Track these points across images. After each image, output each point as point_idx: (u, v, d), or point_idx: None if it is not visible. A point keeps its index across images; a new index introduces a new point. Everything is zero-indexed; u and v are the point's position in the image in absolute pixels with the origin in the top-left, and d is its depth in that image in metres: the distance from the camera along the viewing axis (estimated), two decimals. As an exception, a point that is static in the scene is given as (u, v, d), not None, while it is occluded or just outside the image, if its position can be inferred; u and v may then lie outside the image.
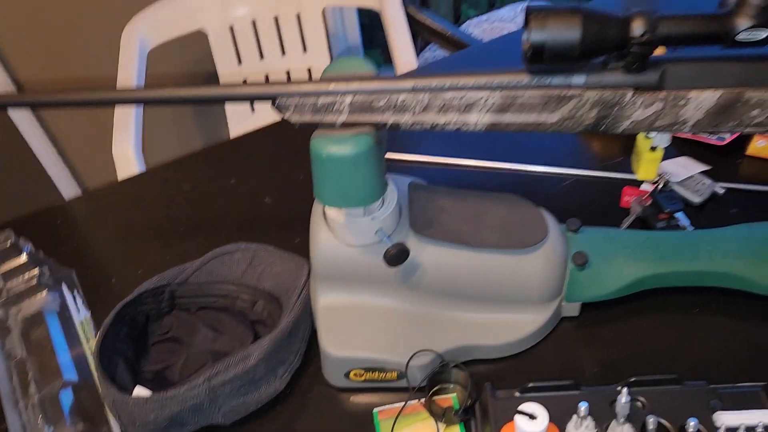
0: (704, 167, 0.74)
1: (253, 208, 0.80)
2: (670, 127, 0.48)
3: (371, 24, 2.09)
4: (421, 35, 1.31)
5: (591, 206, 0.74)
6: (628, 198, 0.73)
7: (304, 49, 1.40)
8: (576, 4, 0.44)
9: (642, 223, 0.71)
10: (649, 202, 0.71)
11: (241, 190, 0.83)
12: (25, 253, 0.65)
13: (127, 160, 1.06)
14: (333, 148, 0.48)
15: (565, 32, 0.43)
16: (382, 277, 0.58)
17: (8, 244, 0.66)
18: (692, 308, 0.64)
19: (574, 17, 0.43)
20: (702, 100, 0.47)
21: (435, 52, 1.58)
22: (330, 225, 0.58)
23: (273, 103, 0.50)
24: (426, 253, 0.58)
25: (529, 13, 0.44)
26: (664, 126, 0.48)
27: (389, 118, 0.50)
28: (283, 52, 1.40)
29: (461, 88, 0.48)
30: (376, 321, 0.60)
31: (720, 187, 0.72)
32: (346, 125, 0.50)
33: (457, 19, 1.67)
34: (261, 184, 0.83)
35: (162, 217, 0.81)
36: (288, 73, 1.42)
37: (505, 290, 0.61)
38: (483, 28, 1.63)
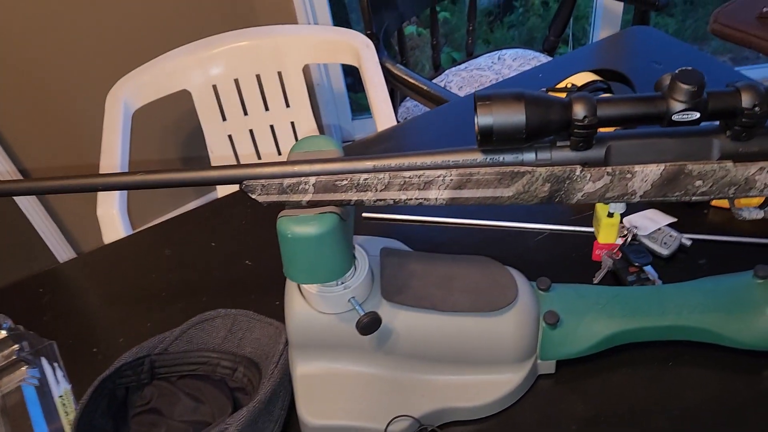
0: (671, 219, 0.76)
1: (233, 271, 0.82)
2: (621, 198, 0.50)
3: (354, 68, 2.13)
4: (396, 87, 1.35)
5: (564, 261, 0.76)
6: (599, 252, 0.75)
7: (287, 104, 1.43)
8: (520, 90, 0.46)
9: (614, 276, 0.73)
10: (620, 255, 0.73)
11: (221, 253, 0.84)
12: (3, 330, 0.67)
13: (112, 221, 1.08)
14: (298, 229, 0.50)
15: (510, 117, 0.46)
16: (357, 344, 0.60)
17: (-10, 322, 0.67)
18: (666, 361, 0.65)
19: (518, 103, 0.46)
20: (647, 174, 0.49)
21: (415, 102, 1.62)
22: (304, 294, 0.60)
23: (240, 186, 0.52)
24: (398, 320, 0.60)
25: (477, 99, 0.46)
26: (615, 197, 0.50)
27: (353, 197, 0.52)
28: (266, 108, 1.43)
29: (419, 167, 0.51)
30: (354, 388, 0.61)
31: (687, 239, 0.74)
32: (312, 204, 0.52)
33: (437, 68, 1.72)
34: (241, 247, 0.84)
35: (144, 282, 0.82)
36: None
37: (479, 352, 0.62)
38: (462, 76, 1.67)
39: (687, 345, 0.64)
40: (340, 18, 2.38)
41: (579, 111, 0.46)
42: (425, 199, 0.52)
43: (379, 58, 1.39)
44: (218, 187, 1.46)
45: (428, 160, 0.51)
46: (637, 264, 0.71)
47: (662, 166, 0.49)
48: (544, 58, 1.67)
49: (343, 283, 0.58)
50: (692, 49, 1.09)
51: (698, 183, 0.49)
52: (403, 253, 0.65)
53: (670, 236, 0.74)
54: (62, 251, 1.81)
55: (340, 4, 2.40)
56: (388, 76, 1.34)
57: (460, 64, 1.72)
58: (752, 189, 0.50)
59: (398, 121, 1.35)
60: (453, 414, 0.62)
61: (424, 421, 0.60)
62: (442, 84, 1.65)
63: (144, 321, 0.77)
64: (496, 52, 1.73)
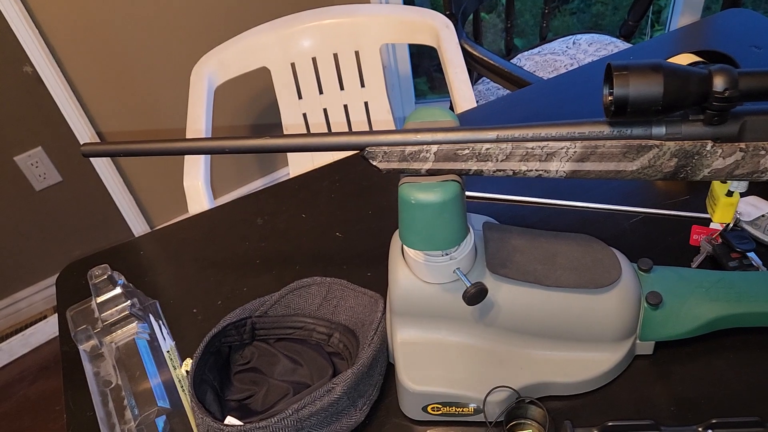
0: (777, 206, 0.74)
1: (324, 242, 0.83)
2: (750, 176, 0.50)
3: (418, 53, 2.13)
4: (475, 69, 1.34)
5: (660, 244, 0.75)
6: (698, 236, 0.73)
7: (362, 84, 1.44)
8: (658, 61, 0.46)
9: (713, 261, 0.72)
10: (720, 241, 0.71)
11: (311, 225, 0.86)
12: (119, 286, 0.70)
13: (198, 193, 1.11)
14: (422, 195, 0.51)
15: (648, 88, 0.45)
16: (459, 314, 0.60)
17: (105, 277, 0.70)
18: None
19: (656, 74, 0.45)
20: (783, 151, 0.48)
21: (488, 85, 1.61)
22: (408, 262, 0.61)
23: (362, 152, 0.53)
24: (502, 293, 0.60)
25: (613, 69, 0.46)
26: (744, 175, 0.50)
27: (472, 166, 0.52)
28: (342, 87, 1.45)
29: (543, 138, 0.51)
30: (453, 357, 0.62)
31: (792, 227, 0.73)
32: (430, 172, 0.53)
33: (509, 52, 1.70)
34: (330, 219, 0.86)
35: (238, 249, 0.85)
36: (347, 119, 1.47)
37: (580, 329, 0.62)
38: (535, 60, 1.65)
39: (795, 333, 0.63)
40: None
41: (719, 83, 0.45)
42: (546, 171, 0.52)
43: (459, 39, 1.39)
44: (290, 166, 1.48)
45: (553, 131, 0.51)
46: (739, 249, 0.69)
47: (799, 144, 0.48)
48: (621, 44, 1.63)
49: (448, 254, 0.59)
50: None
51: (835, 163, 0.48)
52: (506, 228, 0.65)
53: (775, 223, 0.72)
54: (138, 225, 1.87)
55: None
56: (467, 57, 1.34)
57: (533, 48, 1.70)
58: None
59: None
60: (550, 388, 0.63)
61: (522, 393, 0.61)
62: (514, 68, 1.63)
63: (240, 286, 0.79)
64: (570, 36, 1.70)
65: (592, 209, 0.80)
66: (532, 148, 0.51)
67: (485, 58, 1.29)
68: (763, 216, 0.73)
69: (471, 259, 0.60)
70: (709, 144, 0.49)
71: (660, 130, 0.49)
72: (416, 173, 0.53)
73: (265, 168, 2.01)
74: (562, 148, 0.51)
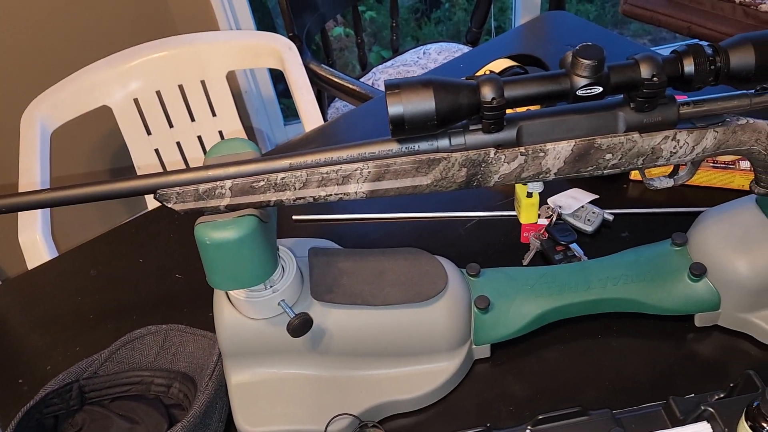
0: (593, 196, 0.78)
1: (163, 286, 0.79)
2: (536, 177, 0.51)
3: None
4: (322, 88, 1.35)
5: (494, 245, 0.77)
6: (527, 234, 0.76)
7: (213, 113, 1.40)
8: (428, 77, 0.47)
9: (542, 256, 0.74)
10: (546, 236, 0.74)
11: (150, 269, 0.82)
12: None
13: (35, 247, 1.03)
14: (216, 234, 0.49)
15: (420, 104, 0.46)
16: (291, 347, 0.59)
17: None
18: (596, 335, 0.67)
19: (426, 90, 0.46)
20: (559, 151, 0.50)
21: (345, 102, 1.62)
22: (232, 301, 0.58)
23: (155, 196, 0.51)
24: (330, 319, 0.59)
25: (386, 89, 0.46)
26: (530, 176, 0.51)
27: (271, 197, 0.51)
28: (192, 118, 1.40)
29: (336, 162, 0.50)
30: (291, 391, 0.60)
31: (609, 214, 0.77)
32: (230, 208, 0.51)
33: (364, 67, 1.72)
34: (170, 260, 0.82)
35: (70, 305, 0.79)
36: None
37: (414, 343, 0.62)
38: (389, 73, 1.68)
39: (614, 317, 0.66)
40: (266, 23, 2.35)
41: (487, 93, 0.46)
42: (345, 193, 0.51)
43: (303, 60, 1.38)
44: (149, 201, 1.42)
45: (344, 154, 0.50)
46: (563, 242, 0.72)
47: (573, 143, 0.50)
48: (467, 50, 1.69)
49: (271, 286, 0.57)
50: (605, 31, 1.13)
51: (608, 156, 0.51)
52: (332, 252, 0.64)
53: (593, 213, 0.76)
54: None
55: (264, 10, 2.37)
56: (314, 77, 1.34)
57: (386, 61, 1.73)
58: (659, 158, 0.51)
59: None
60: (393, 407, 0.62)
61: (364, 418, 0.60)
62: (369, 82, 1.65)
63: (72, 346, 0.74)
64: (421, 47, 1.74)
65: (429, 218, 0.81)
66: (327, 173, 0.50)
67: (330, 77, 1.29)
68: (582, 207, 0.77)
69: (297, 289, 0.59)
70: (492, 151, 0.50)
71: (444, 142, 0.50)
72: (216, 211, 0.51)
73: (133, 208, 1.91)
74: (356, 170, 0.50)
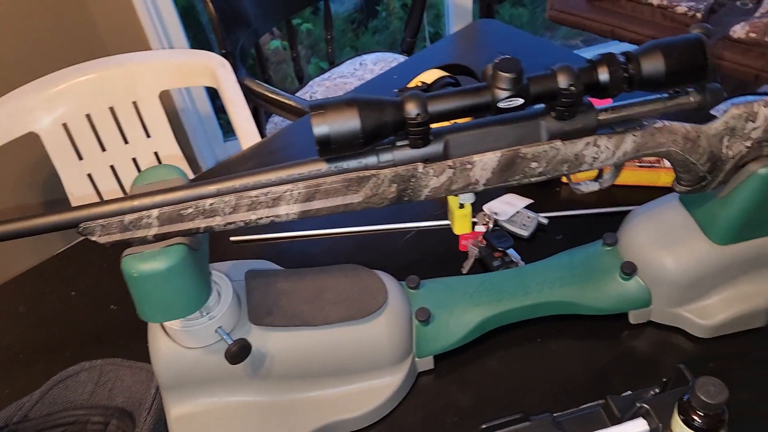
0: (528, 201, 0.80)
1: (98, 318, 0.77)
2: (466, 188, 0.52)
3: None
4: (257, 104, 1.33)
5: (434, 255, 0.78)
6: (465, 242, 0.77)
7: (147, 134, 1.37)
8: (352, 96, 0.47)
9: (481, 263, 0.75)
10: (484, 243, 0.75)
11: (83, 302, 0.79)
12: None
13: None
14: (144, 266, 0.48)
15: (345, 123, 0.46)
16: (231, 374, 0.57)
17: None
18: (535, 339, 0.68)
19: (351, 109, 0.46)
20: (486, 162, 0.51)
21: (282, 118, 1.60)
22: (168, 332, 0.57)
23: (78, 230, 0.49)
24: (270, 342, 0.58)
25: (311, 110, 0.46)
26: (460, 188, 0.52)
27: (200, 224, 0.50)
28: (126, 141, 1.37)
29: (265, 185, 0.50)
30: (233, 420, 0.59)
31: (544, 218, 0.78)
32: (159, 237, 0.50)
33: (301, 80, 1.71)
34: (104, 292, 0.79)
35: (-1, 346, 0.75)
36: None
37: (356, 360, 0.62)
38: (326, 86, 1.68)
39: (553, 320, 0.67)
40: (200, 40, 2.31)
41: (411, 109, 0.47)
42: (276, 215, 0.51)
43: (238, 77, 1.37)
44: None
45: (273, 176, 0.50)
46: (500, 249, 0.73)
47: (498, 153, 0.51)
48: (403, 59, 1.70)
49: (207, 313, 0.56)
50: (533, 37, 1.16)
51: (534, 165, 0.52)
52: (270, 273, 0.63)
53: (528, 218, 0.78)
54: None
55: (198, 26, 2.33)
56: (249, 93, 1.32)
57: (323, 74, 1.72)
58: (583, 164, 0.53)
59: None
60: (339, 427, 0.62)
61: (312, 440, 0.59)
62: (307, 95, 1.64)
63: (1, 389, 0.70)
64: (358, 57, 1.75)
65: (369, 232, 0.81)
66: (256, 197, 0.50)
67: (265, 93, 1.28)
68: (518, 212, 0.78)
69: (234, 314, 0.58)
70: (421, 166, 0.50)
71: (373, 159, 0.50)
72: (144, 241, 0.50)
73: (69, 237, 1.84)
74: (286, 192, 0.50)
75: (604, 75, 0.48)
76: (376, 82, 1.13)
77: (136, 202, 0.49)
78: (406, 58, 1.74)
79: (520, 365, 0.66)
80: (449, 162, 0.50)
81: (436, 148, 0.50)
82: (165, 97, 1.34)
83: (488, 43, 1.12)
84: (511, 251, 0.74)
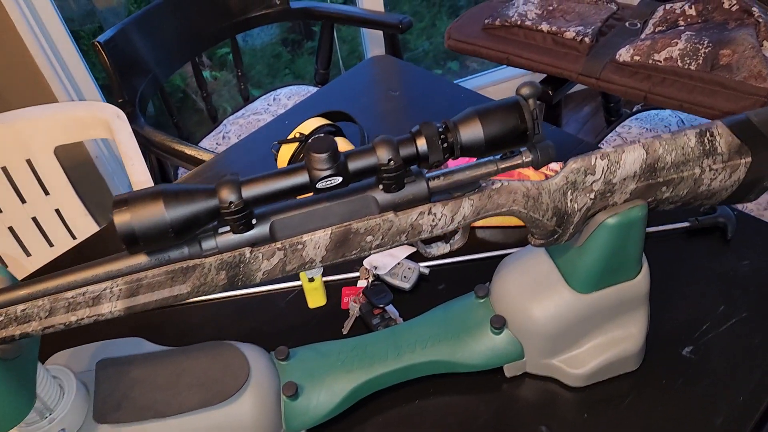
0: (409, 250, 0.78)
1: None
2: (302, 268, 0.50)
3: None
4: (156, 155, 1.29)
5: (317, 315, 0.75)
6: (347, 299, 0.75)
7: (46, 192, 1.32)
8: (160, 187, 0.44)
9: (363, 321, 0.73)
10: (364, 299, 0.73)
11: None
12: None
13: None
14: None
15: (152, 217, 0.43)
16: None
17: None
18: (413, 399, 0.66)
19: (156, 202, 0.43)
20: (317, 241, 0.49)
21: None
22: (10, 437, 0.53)
23: None
24: (120, 440, 0.55)
25: (114, 205, 0.43)
26: (296, 268, 0.50)
27: (15, 332, 0.47)
28: (23, 200, 1.31)
29: (80, 285, 0.47)
30: None
31: (425, 267, 0.77)
32: (-31, 348, 0.46)
33: (214, 119, 1.68)
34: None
35: None
36: None
37: (221, 446, 0.59)
38: (240, 123, 1.65)
39: (430, 379, 0.66)
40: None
41: (224, 197, 0.45)
42: (99, 314, 0.48)
43: (137, 125, 1.33)
44: None
45: (89, 274, 0.47)
46: (379, 306, 0.72)
47: (329, 231, 0.49)
48: (315, 91, 1.69)
49: (49, 415, 0.52)
50: (426, 73, 1.15)
51: (369, 238, 0.50)
52: (124, 360, 0.60)
53: (409, 269, 0.76)
54: None
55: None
56: (148, 143, 1.28)
57: (237, 111, 1.69)
58: (421, 232, 0.51)
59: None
60: None
61: None
62: (220, 135, 1.61)
63: None
64: (271, 93, 1.73)
65: (251, 295, 0.78)
66: (73, 297, 0.47)
67: (165, 142, 1.24)
68: (399, 264, 0.77)
69: (81, 411, 0.55)
70: (248, 251, 0.48)
71: (196, 248, 0.47)
72: (-47, 353, 0.46)
73: None
74: (105, 290, 0.47)
75: (422, 146, 0.46)
76: (266, 130, 1.09)
77: (-63, 315, 0.45)
78: (319, 89, 1.73)
79: (397, 430, 0.64)
80: (278, 244, 0.48)
81: (261, 230, 0.48)
82: (74, 147, 1.29)
83: (381, 80, 1.11)
84: (390, 308, 0.72)
